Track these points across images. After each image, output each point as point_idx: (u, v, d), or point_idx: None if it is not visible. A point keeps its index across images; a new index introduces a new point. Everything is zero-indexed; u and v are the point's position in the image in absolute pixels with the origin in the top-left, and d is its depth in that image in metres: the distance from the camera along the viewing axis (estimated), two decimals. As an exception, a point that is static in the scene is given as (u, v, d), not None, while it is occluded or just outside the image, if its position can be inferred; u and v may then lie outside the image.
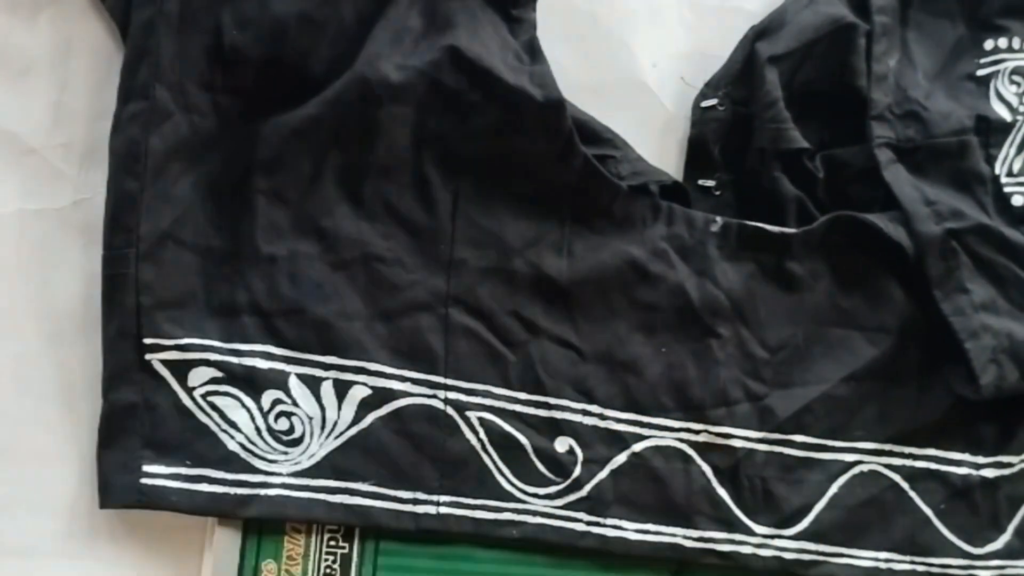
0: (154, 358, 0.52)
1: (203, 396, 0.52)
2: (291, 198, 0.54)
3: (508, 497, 0.55)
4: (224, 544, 0.53)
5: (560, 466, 0.55)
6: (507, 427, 0.55)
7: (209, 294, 0.53)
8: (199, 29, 0.53)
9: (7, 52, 0.56)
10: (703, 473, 0.56)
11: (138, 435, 0.51)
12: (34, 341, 0.54)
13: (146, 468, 0.51)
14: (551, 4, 0.59)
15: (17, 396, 0.53)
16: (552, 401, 0.56)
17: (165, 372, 0.52)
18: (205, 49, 0.53)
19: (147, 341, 0.52)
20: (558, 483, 0.55)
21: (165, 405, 0.52)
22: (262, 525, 0.54)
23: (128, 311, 0.52)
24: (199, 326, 0.52)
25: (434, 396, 0.54)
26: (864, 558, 0.57)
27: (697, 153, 0.61)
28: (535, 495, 0.55)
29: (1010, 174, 0.60)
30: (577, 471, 0.55)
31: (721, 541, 0.56)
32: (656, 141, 0.61)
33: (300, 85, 0.54)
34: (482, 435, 0.55)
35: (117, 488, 0.51)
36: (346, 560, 0.54)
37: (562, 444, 0.55)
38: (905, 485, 0.58)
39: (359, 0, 0.54)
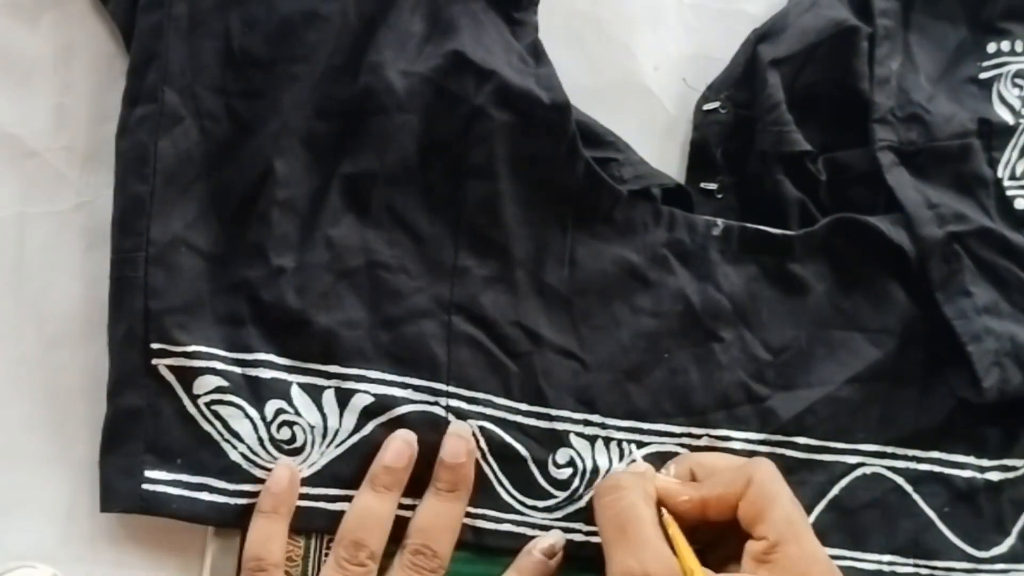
0: (160, 363, 0.52)
1: (207, 405, 0.52)
2: (301, 209, 0.54)
3: (508, 508, 0.55)
4: (224, 547, 0.53)
5: (560, 479, 0.55)
6: (507, 438, 0.55)
7: (215, 302, 0.53)
8: (209, 33, 0.53)
9: (9, 55, 0.56)
10: (704, 476, 0.56)
11: (141, 440, 0.51)
12: (35, 344, 0.54)
13: (148, 474, 0.51)
14: (552, 7, 0.59)
15: (17, 399, 0.53)
16: (553, 412, 0.55)
17: (171, 378, 0.52)
18: (216, 53, 0.53)
19: (154, 346, 0.52)
20: (557, 497, 0.55)
21: (169, 411, 0.52)
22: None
23: (136, 315, 0.52)
24: (206, 334, 0.52)
25: (436, 403, 0.54)
26: (867, 560, 0.57)
27: (699, 156, 0.61)
28: (534, 507, 0.55)
29: (1012, 177, 0.60)
30: (576, 482, 0.55)
31: (722, 544, 0.56)
32: (658, 144, 0.61)
33: (311, 87, 0.54)
34: (483, 444, 0.54)
35: (118, 493, 0.51)
36: (346, 563, 0.54)
37: (563, 456, 0.55)
38: (908, 488, 0.58)
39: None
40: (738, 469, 0.51)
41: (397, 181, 0.55)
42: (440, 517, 0.53)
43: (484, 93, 0.54)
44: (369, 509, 0.52)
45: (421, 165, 0.55)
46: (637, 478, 0.52)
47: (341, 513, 0.52)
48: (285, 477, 0.52)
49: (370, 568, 0.52)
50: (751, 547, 0.49)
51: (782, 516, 0.49)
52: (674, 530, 0.50)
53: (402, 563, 0.52)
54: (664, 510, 0.51)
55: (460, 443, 0.53)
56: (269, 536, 0.52)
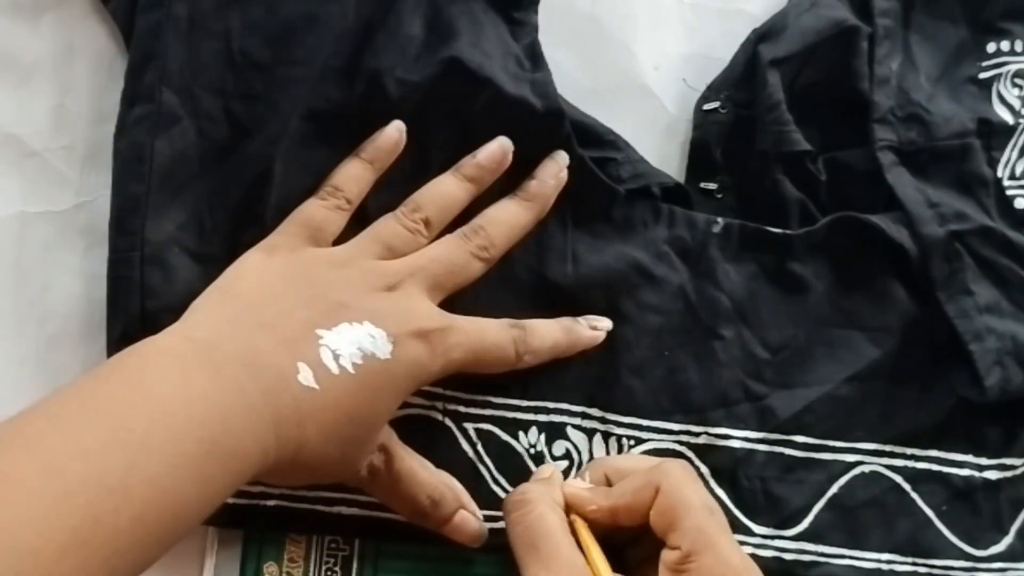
0: None
1: None
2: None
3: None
4: (225, 546, 0.53)
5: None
6: (504, 436, 0.55)
7: None
8: (209, 34, 0.53)
9: (9, 55, 0.56)
10: (701, 475, 0.56)
11: (138, 439, 0.51)
12: (35, 344, 0.54)
13: (146, 471, 0.51)
14: (552, 6, 0.59)
15: (17, 399, 0.52)
16: (551, 405, 0.56)
17: None
18: (215, 54, 0.53)
19: None
20: None
21: None
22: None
23: (132, 315, 0.52)
24: None
25: (433, 407, 0.54)
26: (865, 559, 0.57)
27: (699, 156, 0.61)
28: None
29: (1012, 177, 0.60)
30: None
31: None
32: (658, 143, 0.61)
33: (309, 90, 0.54)
34: (479, 447, 0.55)
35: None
36: (347, 562, 0.54)
37: (559, 448, 0.55)
38: (907, 486, 0.58)
39: (362, 1, 0.54)
40: (646, 475, 0.50)
41: (395, 185, 0.55)
42: (506, 212, 0.55)
43: (480, 101, 0.54)
44: (444, 186, 0.54)
45: (418, 170, 0.55)
46: (544, 487, 0.51)
47: (339, 516, 0.53)
48: (394, 136, 0.54)
49: (423, 233, 0.53)
50: (666, 556, 0.48)
51: (693, 526, 0.48)
52: (585, 534, 0.50)
53: (455, 233, 0.54)
54: (575, 515, 0.50)
55: (554, 167, 0.56)
56: (357, 177, 0.54)
